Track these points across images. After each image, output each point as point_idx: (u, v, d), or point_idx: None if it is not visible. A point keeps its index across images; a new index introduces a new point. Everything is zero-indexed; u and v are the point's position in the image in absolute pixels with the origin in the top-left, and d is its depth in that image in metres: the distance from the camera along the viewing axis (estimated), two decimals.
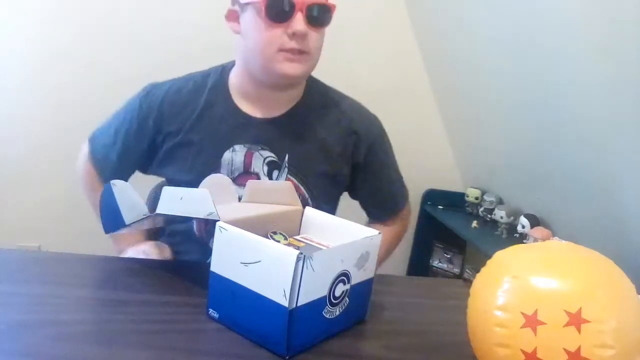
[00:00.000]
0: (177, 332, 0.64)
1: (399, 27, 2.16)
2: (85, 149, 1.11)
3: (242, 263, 0.62)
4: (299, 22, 0.89)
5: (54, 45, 2.03)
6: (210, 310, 0.67)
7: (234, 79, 1.03)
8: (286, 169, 1.01)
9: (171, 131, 1.02)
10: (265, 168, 1.01)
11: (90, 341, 0.61)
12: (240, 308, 0.63)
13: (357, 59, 2.10)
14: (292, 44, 0.90)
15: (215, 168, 1.00)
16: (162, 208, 0.72)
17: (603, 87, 1.22)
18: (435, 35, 2.09)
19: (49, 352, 0.58)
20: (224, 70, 1.05)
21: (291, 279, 0.57)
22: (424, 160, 2.27)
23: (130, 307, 0.70)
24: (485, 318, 0.57)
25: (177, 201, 0.71)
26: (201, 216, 0.68)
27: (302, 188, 1.01)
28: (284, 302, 0.58)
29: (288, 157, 1.01)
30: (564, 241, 0.64)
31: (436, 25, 2.06)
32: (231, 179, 0.98)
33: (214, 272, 0.66)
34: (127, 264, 0.87)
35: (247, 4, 0.93)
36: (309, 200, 1.02)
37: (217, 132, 1.01)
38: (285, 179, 1.01)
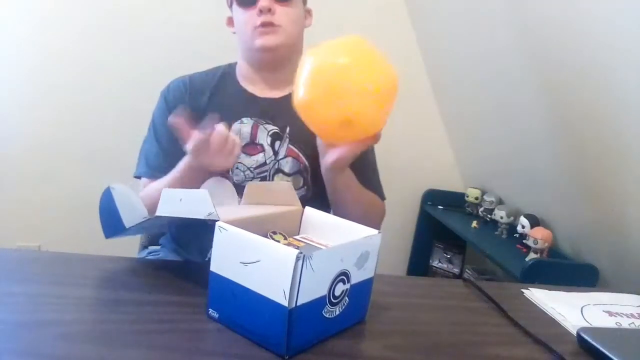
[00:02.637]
0: (177, 332, 0.64)
1: (399, 27, 2.16)
2: (140, 185, 1.14)
3: (241, 263, 0.62)
4: (263, 0, 1.05)
5: (55, 44, 2.03)
6: (210, 310, 0.67)
7: (239, 70, 1.18)
8: (287, 139, 1.13)
9: (194, 112, 1.11)
10: (269, 139, 1.13)
11: (90, 341, 0.60)
12: (240, 308, 0.63)
13: None
14: (261, 19, 1.06)
15: None
16: (162, 210, 0.72)
17: (603, 87, 1.22)
18: (435, 36, 2.09)
19: (49, 352, 0.58)
20: (230, 65, 1.21)
21: (291, 279, 0.57)
22: (424, 160, 2.28)
23: (130, 307, 0.70)
24: None
25: (177, 203, 0.71)
26: (201, 216, 0.68)
27: (302, 157, 1.12)
28: (284, 302, 0.58)
29: (289, 130, 1.13)
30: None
31: (436, 25, 2.06)
32: None
33: (213, 272, 0.66)
34: (127, 264, 0.87)
35: (231, 3, 1.11)
36: (308, 167, 1.13)
37: (226, 107, 1.13)
38: (287, 149, 1.12)
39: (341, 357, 0.63)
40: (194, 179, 0.96)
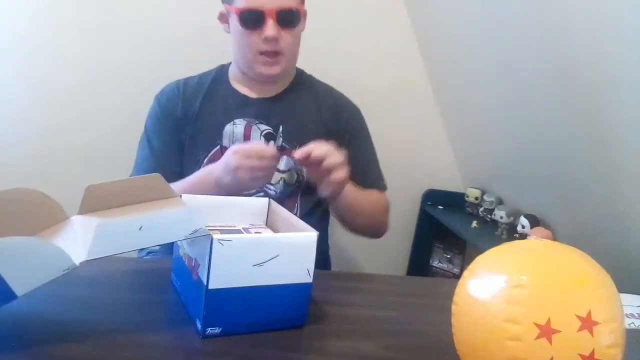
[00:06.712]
0: (178, 332, 0.64)
1: (399, 27, 2.16)
2: None
3: (255, 265, 0.63)
4: (270, 27, 1.02)
5: (55, 46, 2.03)
6: (209, 330, 0.63)
7: (232, 71, 1.18)
8: (280, 138, 1.13)
9: (188, 117, 1.13)
10: (262, 139, 1.12)
11: (90, 341, 0.61)
12: (253, 308, 0.64)
13: (357, 59, 2.10)
14: (267, 47, 1.04)
15: (217, 139, 1.11)
16: (102, 249, 0.60)
17: (603, 87, 1.23)
18: (435, 35, 2.09)
19: (50, 352, 0.58)
20: (224, 66, 1.20)
21: (314, 257, 0.65)
22: (424, 160, 2.27)
23: (130, 307, 0.70)
24: (491, 331, 0.52)
25: (133, 234, 0.60)
26: (180, 238, 0.62)
27: None
28: (308, 280, 0.66)
29: (282, 128, 1.13)
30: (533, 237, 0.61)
31: (436, 25, 2.06)
32: None
33: (215, 290, 0.61)
34: (127, 264, 0.87)
35: (229, 12, 1.08)
36: (303, 167, 1.12)
37: (218, 109, 1.13)
38: (280, 146, 1.13)
39: (341, 357, 0.64)
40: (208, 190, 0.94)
